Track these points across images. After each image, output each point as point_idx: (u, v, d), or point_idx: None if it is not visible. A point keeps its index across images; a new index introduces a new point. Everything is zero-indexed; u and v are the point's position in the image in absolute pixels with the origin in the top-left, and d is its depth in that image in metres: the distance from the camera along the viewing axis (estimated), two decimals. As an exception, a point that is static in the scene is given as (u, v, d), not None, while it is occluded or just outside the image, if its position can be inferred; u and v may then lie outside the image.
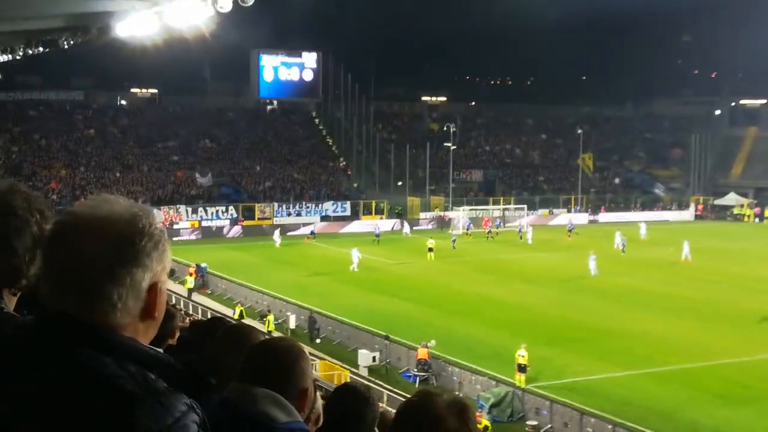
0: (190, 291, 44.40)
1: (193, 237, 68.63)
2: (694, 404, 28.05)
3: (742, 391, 29.47)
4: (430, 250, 56.35)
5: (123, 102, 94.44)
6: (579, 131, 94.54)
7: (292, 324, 37.74)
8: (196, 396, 2.15)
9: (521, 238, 67.92)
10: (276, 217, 74.49)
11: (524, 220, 76.29)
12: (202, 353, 4.03)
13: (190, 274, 45.66)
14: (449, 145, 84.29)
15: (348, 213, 77.70)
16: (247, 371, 2.85)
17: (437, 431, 2.32)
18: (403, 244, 65.54)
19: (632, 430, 24.85)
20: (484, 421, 25.61)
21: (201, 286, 46.82)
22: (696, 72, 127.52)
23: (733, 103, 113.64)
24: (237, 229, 71.39)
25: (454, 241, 63.02)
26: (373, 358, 32.47)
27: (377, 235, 64.93)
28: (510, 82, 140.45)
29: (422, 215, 79.68)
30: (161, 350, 2.02)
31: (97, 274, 1.87)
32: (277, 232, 63.87)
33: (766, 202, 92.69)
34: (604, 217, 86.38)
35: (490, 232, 70.27)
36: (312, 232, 69.17)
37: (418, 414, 2.39)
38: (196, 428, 1.87)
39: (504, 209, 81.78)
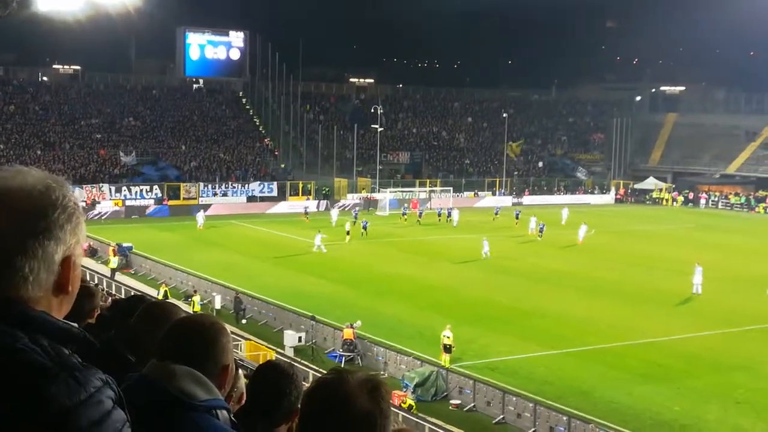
0: (113, 271, 43.73)
1: (114, 216, 67.47)
2: (613, 383, 28.74)
3: (659, 369, 30.27)
4: (348, 233, 56.38)
5: (45, 78, 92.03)
6: (504, 115, 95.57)
7: (217, 304, 37.45)
8: (114, 373, 2.13)
9: (441, 220, 68.34)
10: (202, 197, 73.71)
11: (447, 202, 76.81)
12: (121, 331, 3.98)
13: (113, 254, 44.94)
14: (376, 126, 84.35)
15: (275, 194, 77.29)
16: (166, 348, 2.81)
17: (348, 410, 2.30)
18: (330, 225, 65.48)
19: (552, 408, 25.34)
20: (409, 400, 25.87)
21: (124, 266, 46.12)
22: (618, 58, 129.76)
23: (654, 89, 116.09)
24: (157, 209, 70.42)
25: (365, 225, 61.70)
26: (299, 339, 32.46)
27: (306, 212, 67.27)
28: (437, 65, 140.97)
29: (349, 196, 79.67)
30: (76, 325, 1.99)
31: (7, 246, 1.83)
32: (200, 213, 62.70)
33: (683, 186, 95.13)
34: (528, 200, 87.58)
35: (421, 214, 69.97)
36: (306, 211, 69.22)
37: (329, 392, 2.37)
38: (111, 404, 1.85)
39: (430, 191, 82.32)
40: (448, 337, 29.81)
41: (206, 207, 70.59)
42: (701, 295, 40.88)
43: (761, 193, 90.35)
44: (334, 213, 66.42)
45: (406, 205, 73.30)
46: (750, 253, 56.20)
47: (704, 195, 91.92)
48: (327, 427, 2.31)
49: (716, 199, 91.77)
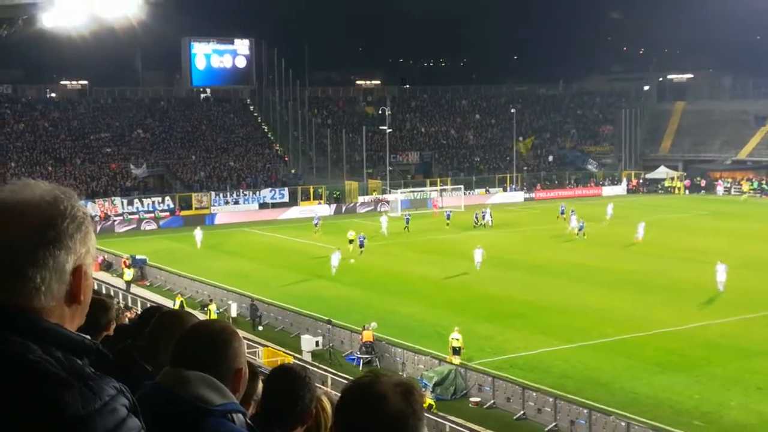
0: (128, 283, 43.87)
1: (129, 228, 67.68)
2: (632, 373, 28.67)
3: (678, 358, 30.19)
4: (351, 241, 52.41)
5: (53, 94, 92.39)
6: (512, 110, 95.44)
7: (233, 312, 37.53)
8: (131, 382, 2.16)
9: (478, 222, 64.74)
10: (213, 206, 73.91)
11: (482, 204, 76.58)
12: (137, 340, 4.02)
13: (127, 266, 45.11)
14: (384, 128, 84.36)
15: (286, 199, 77.38)
16: (179, 355, 2.84)
17: (381, 410, 2.33)
18: (341, 228, 65.50)
19: (572, 401, 25.30)
20: (428, 399, 25.85)
21: (139, 278, 46.27)
22: (625, 49, 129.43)
23: (661, 78, 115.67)
24: (170, 220, 70.59)
25: (407, 220, 62.72)
26: (316, 343, 32.51)
27: (316, 224, 62.43)
28: (443, 64, 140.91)
29: (360, 199, 79.71)
30: (89, 337, 2.02)
31: (18, 257, 1.86)
32: (198, 232, 57.20)
33: (694, 174, 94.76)
34: (539, 194, 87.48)
35: (449, 216, 65.65)
36: (316, 224, 62.76)
37: (363, 393, 2.40)
38: (126, 412, 1.87)
39: (441, 190, 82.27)
40: (457, 339, 29.80)
41: (210, 218, 70.95)
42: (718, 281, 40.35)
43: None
44: (384, 220, 62.00)
45: (449, 210, 68.59)
46: (765, 237, 55.89)
47: (720, 182, 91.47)
48: (361, 426, 2.33)
49: (729, 185, 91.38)
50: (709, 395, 26.42)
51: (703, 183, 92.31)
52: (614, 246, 53.56)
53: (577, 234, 57.29)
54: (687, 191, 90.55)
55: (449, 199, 78.69)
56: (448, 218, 64.98)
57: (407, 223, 62.18)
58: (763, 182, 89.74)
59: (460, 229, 62.45)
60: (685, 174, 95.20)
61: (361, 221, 68.04)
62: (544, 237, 58.54)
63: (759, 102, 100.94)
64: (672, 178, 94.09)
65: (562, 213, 64.54)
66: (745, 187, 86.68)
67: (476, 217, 64.99)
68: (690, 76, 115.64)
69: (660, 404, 25.75)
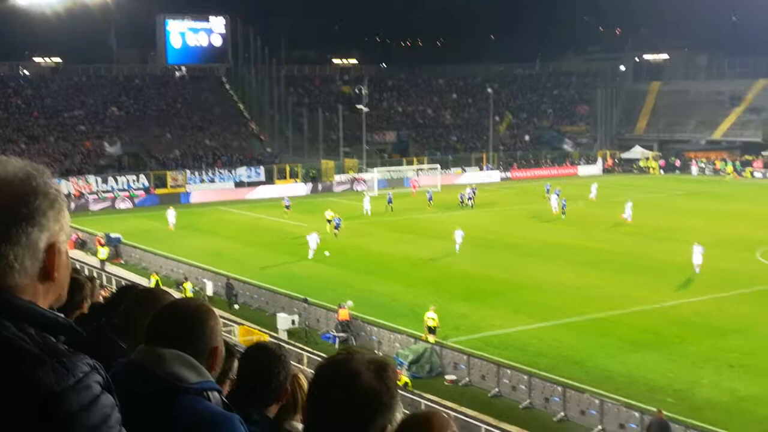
0: (103, 262, 43.67)
1: (103, 206, 67.27)
2: (606, 351, 28.94)
3: (652, 336, 30.48)
4: (329, 221, 51.78)
5: (25, 71, 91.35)
6: (489, 90, 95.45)
7: (209, 291, 37.46)
8: (106, 359, 2.15)
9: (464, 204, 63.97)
10: (189, 184, 73.57)
11: (467, 184, 76.53)
12: (112, 318, 4.01)
13: (101, 244, 44.88)
14: (361, 107, 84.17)
15: (262, 178, 77.17)
16: (155, 332, 2.84)
17: (354, 387, 2.34)
18: (317, 206, 65.44)
19: (546, 379, 25.51)
20: (404, 377, 25.99)
21: (114, 256, 46.05)
22: (601, 29, 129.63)
23: (637, 59, 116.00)
24: (145, 198, 70.21)
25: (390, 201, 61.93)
26: (292, 322, 32.54)
27: (287, 206, 60.71)
28: (420, 43, 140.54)
29: (337, 178, 79.61)
30: (63, 315, 2.01)
31: None
32: (171, 212, 55.76)
33: (669, 154, 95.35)
34: (516, 174, 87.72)
35: (430, 197, 64.47)
36: (287, 205, 61.05)
37: (337, 370, 2.41)
38: (100, 389, 1.87)
39: (418, 169, 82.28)
40: (433, 319, 29.90)
41: (185, 196, 70.68)
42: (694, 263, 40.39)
43: (747, 158, 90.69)
44: (367, 200, 61.27)
45: (431, 191, 67.25)
46: (739, 217, 56.45)
47: (694, 162, 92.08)
48: (334, 402, 2.34)
49: (703, 165, 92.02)
50: (682, 373, 26.72)
51: (677, 163, 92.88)
52: (591, 225, 53.86)
53: (561, 213, 57.50)
54: (662, 171, 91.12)
55: (425, 178, 78.69)
56: (431, 199, 64.21)
57: (390, 202, 61.78)
58: (737, 162, 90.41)
59: (444, 208, 62.35)
60: (660, 154, 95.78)
61: (338, 200, 68.08)
62: (521, 216, 58.81)
63: (734, 82, 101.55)
64: (647, 158, 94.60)
65: (548, 192, 64.14)
66: (729, 168, 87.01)
67: (461, 197, 64.56)
68: (666, 56, 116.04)
69: (633, 382, 26.02)
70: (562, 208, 57.74)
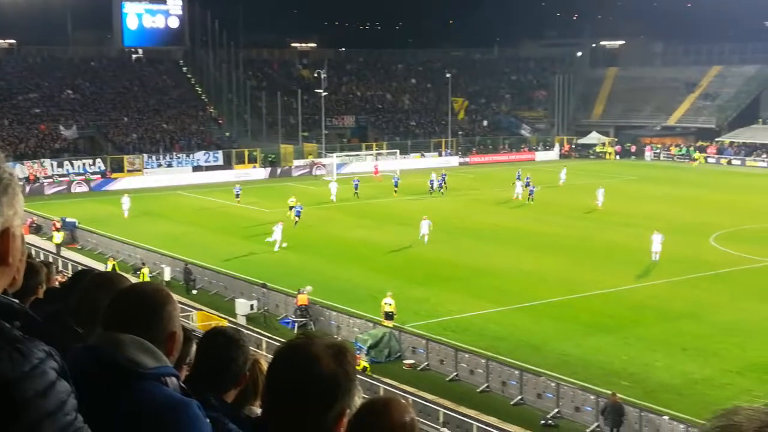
0: (58, 246, 43.16)
1: (58, 190, 66.41)
2: (563, 335, 29.25)
3: (608, 320, 30.88)
4: (291, 208, 50.45)
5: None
6: (448, 75, 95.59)
7: (167, 276, 37.21)
8: (62, 345, 2.13)
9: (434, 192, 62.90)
10: (146, 168, 72.84)
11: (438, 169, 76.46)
12: (68, 303, 3.97)
13: (56, 229, 44.33)
14: (320, 91, 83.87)
15: (221, 162, 76.62)
16: (113, 317, 2.82)
17: (313, 371, 2.35)
18: (276, 191, 65.22)
19: (504, 363, 25.74)
20: (363, 362, 26.06)
21: (70, 241, 45.53)
22: (558, 14, 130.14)
23: (594, 45, 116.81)
24: (101, 182, 69.41)
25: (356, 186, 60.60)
26: (251, 307, 32.47)
27: (237, 194, 58.60)
28: (379, 28, 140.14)
29: (296, 162, 79.32)
30: (17, 301, 2.00)
31: None
32: (126, 199, 53.74)
33: (625, 140, 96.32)
34: (474, 159, 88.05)
35: (396, 184, 63.15)
36: (237, 192, 58.91)
37: (295, 354, 2.41)
38: (55, 375, 1.86)
39: (377, 154, 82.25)
40: (390, 305, 29.95)
41: (142, 180, 70.00)
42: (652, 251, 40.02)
43: (701, 144, 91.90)
44: (334, 186, 59.40)
45: (396, 177, 65.52)
46: (693, 202, 57.24)
47: (649, 147, 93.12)
48: (292, 386, 2.35)
49: (659, 151, 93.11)
50: (637, 356, 27.10)
51: (633, 148, 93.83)
52: (550, 211, 54.23)
53: (528, 199, 57.39)
54: (617, 156, 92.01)
55: (389, 163, 78.47)
56: (396, 185, 63.08)
57: (356, 189, 60.40)
58: (691, 148, 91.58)
59: (410, 194, 61.89)
60: (616, 139, 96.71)
61: (302, 186, 67.83)
62: (481, 202, 59.04)
63: (689, 69, 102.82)
64: (603, 144, 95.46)
65: (519, 179, 63.34)
66: (697, 154, 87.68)
67: (431, 183, 63.30)
68: (622, 42, 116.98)
69: (589, 365, 26.34)
70: (530, 195, 57.63)
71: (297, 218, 48.97)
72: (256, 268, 38.17)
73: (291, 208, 50.79)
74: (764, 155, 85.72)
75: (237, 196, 58.62)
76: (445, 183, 63.86)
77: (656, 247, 39.30)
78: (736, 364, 26.34)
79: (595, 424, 22.63)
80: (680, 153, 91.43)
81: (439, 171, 67.41)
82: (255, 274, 36.74)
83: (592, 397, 23.07)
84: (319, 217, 51.69)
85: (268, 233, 44.44)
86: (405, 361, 27.50)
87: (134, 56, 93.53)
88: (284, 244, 42.85)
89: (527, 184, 58.98)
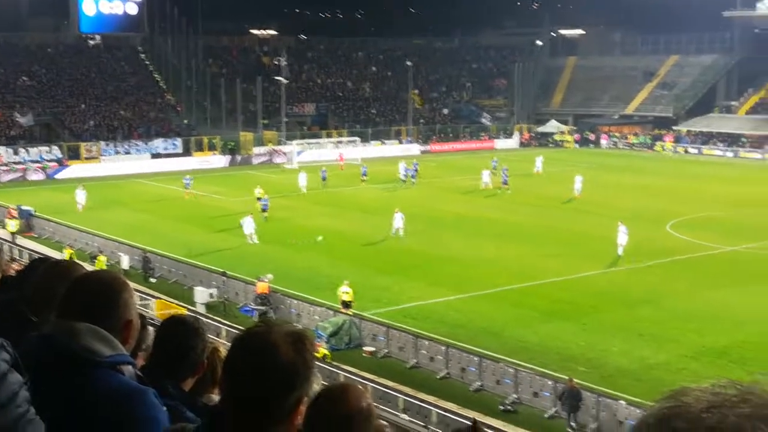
0: (14, 234, 42.59)
1: (14, 178, 65.46)
2: (521, 322, 29.48)
3: (566, 306, 31.16)
4: (259, 199, 49.29)
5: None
6: (408, 63, 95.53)
7: (125, 265, 36.87)
8: (17, 333, 2.12)
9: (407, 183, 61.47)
10: (104, 156, 72.00)
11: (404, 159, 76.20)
12: (23, 292, 3.93)
13: (12, 217, 43.72)
14: (280, 78, 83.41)
15: (180, 150, 75.95)
16: (68, 306, 2.81)
17: (272, 359, 2.35)
18: (236, 179, 64.89)
19: (463, 349, 25.90)
20: (323, 350, 26.07)
21: (26, 229, 44.93)
22: (518, 3, 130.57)
23: (554, 34, 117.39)
24: (58, 170, 68.49)
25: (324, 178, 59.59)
26: (211, 295, 32.31)
27: (187, 185, 56.09)
28: (339, 15, 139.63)
29: (255, 150, 78.89)
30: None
31: None
32: (81, 192, 51.61)
33: (584, 128, 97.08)
34: (435, 147, 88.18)
35: (365, 173, 61.81)
36: (187, 184, 56.53)
37: (254, 342, 2.41)
38: (7, 366, 1.85)
39: (338, 142, 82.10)
40: (347, 293, 29.95)
41: (100, 168, 69.24)
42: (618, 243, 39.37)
43: (658, 132, 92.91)
44: (303, 177, 57.46)
45: (365, 166, 63.67)
46: (650, 190, 57.88)
47: (605, 136, 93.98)
48: (251, 374, 2.35)
49: (616, 139, 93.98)
50: (594, 342, 27.41)
51: (592, 137, 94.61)
52: (518, 200, 54.50)
53: (503, 188, 57.11)
54: (576, 145, 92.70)
55: (345, 150, 78.28)
56: (365, 174, 62.13)
57: (324, 179, 59.52)
58: (649, 137, 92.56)
59: (376, 183, 61.08)
60: (575, 128, 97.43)
61: (264, 174, 67.52)
62: (442, 190, 59.12)
63: (647, 58, 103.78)
64: (562, 132, 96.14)
65: (495, 168, 63.15)
66: (668, 144, 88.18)
67: (405, 172, 62.12)
68: (581, 32, 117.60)
69: (547, 351, 26.59)
70: (505, 183, 57.28)
71: (264, 213, 47.00)
72: (216, 256, 37.97)
73: (259, 199, 49.42)
74: (720, 144, 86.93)
75: (186, 187, 55.97)
76: (417, 173, 63.04)
77: (622, 239, 38.28)
78: (691, 349, 26.75)
79: (553, 409, 22.88)
80: (639, 142, 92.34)
81: (410, 160, 66.97)
82: (214, 262, 36.55)
83: (550, 382, 23.31)
84: (283, 206, 51.31)
85: (229, 221, 44.18)
86: (365, 349, 27.57)
87: (91, 43, 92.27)
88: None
89: (504, 174, 58.29)
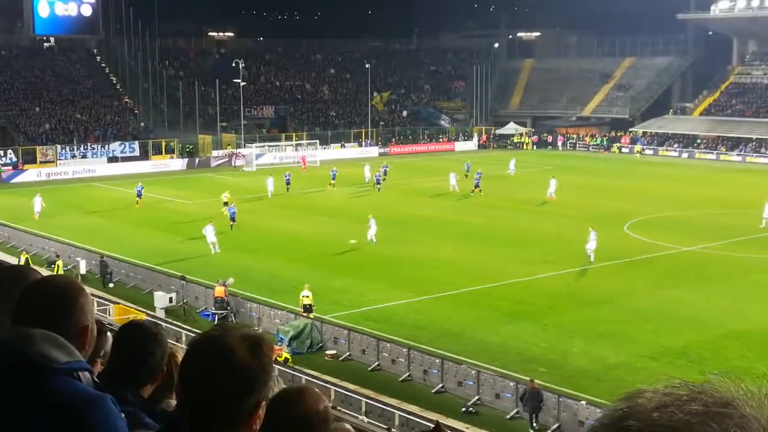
0: (-32, 241, 41.92)
1: None
2: (482, 323, 29.58)
3: (526, 308, 31.33)
4: (225, 204, 48.43)
5: None
6: (367, 65, 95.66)
7: (82, 269, 36.45)
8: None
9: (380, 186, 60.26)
10: (60, 159, 71.15)
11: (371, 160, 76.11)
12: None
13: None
14: (238, 81, 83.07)
15: (137, 153, 75.29)
16: (23, 311, 2.74)
17: (228, 363, 2.31)
18: (195, 182, 64.46)
19: (425, 351, 25.92)
20: (285, 353, 25.96)
21: (-20, 235, 44.25)
22: (476, 6, 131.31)
23: (511, 36, 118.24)
24: (12, 174, 67.56)
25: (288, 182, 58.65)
26: (170, 300, 32.01)
27: (139, 193, 53.24)
28: (297, 17, 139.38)
29: (214, 153, 78.46)
30: None
31: None
32: (38, 200, 49.29)
33: (542, 130, 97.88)
34: (394, 149, 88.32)
35: (334, 177, 60.97)
36: (139, 192, 53.46)
37: (210, 345, 2.37)
38: None
39: (297, 144, 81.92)
40: (308, 297, 29.85)
41: (56, 172, 68.42)
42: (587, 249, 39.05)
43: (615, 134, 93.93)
44: (270, 181, 56.79)
45: (335, 169, 62.58)
46: (607, 191, 58.45)
47: (561, 137, 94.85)
48: (207, 378, 2.30)
49: (574, 141, 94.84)
50: (555, 343, 27.57)
51: (549, 138, 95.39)
52: (474, 201, 54.73)
53: (474, 191, 56.96)
54: (534, 147, 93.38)
55: (305, 153, 78.10)
56: (334, 178, 61.24)
57: (288, 183, 58.51)
58: (606, 138, 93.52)
59: (347, 186, 60.90)
60: (533, 130, 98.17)
61: (230, 178, 67.10)
62: (402, 192, 59.05)
63: (603, 60, 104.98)
64: (521, 134, 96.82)
65: (468, 171, 63.02)
66: (638, 147, 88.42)
67: (377, 177, 60.90)
68: (538, 34, 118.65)
69: (508, 352, 26.71)
70: (477, 186, 57.15)
71: (232, 222, 45.19)
72: (175, 260, 37.66)
73: (225, 204, 48.58)
74: (676, 145, 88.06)
75: (138, 195, 53.21)
76: (385, 175, 62.45)
77: (592, 244, 37.91)
78: (650, 349, 27.01)
79: (515, 411, 22.97)
80: (596, 143, 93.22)
81: (379, 163, 66.50)
82: (173, 266, 36.25)
83: (512, 383, 23.40)
84: (245, 210, 50.88)
85: (189, 225, 43.84)
86: (327, 352, 27.48)
87: (46, 45, 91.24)
88: (218, 249, 39.88)
89: (477, 178, 58.14)
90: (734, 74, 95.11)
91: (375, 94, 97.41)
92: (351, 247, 40.82)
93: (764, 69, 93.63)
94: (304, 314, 29.31)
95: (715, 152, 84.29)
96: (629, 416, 1.32)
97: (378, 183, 60.06)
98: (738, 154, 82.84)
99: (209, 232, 39.96)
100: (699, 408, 1.27)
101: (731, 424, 1.24)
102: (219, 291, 30.74)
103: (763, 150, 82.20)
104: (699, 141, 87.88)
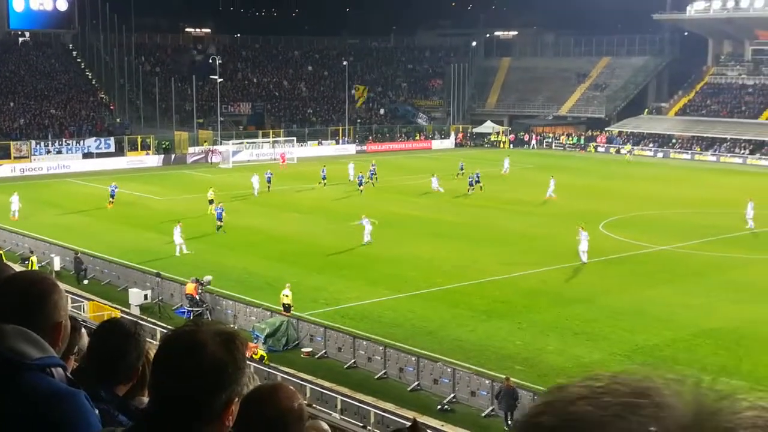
0: (-59, 237, 41.48)
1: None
2: (458, 321, 29.64)
3: (502, 306, 31.43)
4: (211, 202, 47.90)
5: None
6: (345, 63, 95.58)
7: (56, 266, 36.20)
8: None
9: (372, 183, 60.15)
10: (34, 155, 70.58)
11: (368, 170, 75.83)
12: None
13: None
14: (215, 77, 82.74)
15: (113, 149, 74.84)
16: (-5, 308, 2.72)
17: (200, 359, 2.30)
18: (170, 179, 64.13)
19: (401, 349, 25.95)
20: (260, 351, 25.90)
21: (-48, 231, 43.77)
22: (453, 4, 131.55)
23: (488, 35, 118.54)
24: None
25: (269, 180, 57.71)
26: (145, 297, 31.84)
27: (112, 193, 51.58)
28: (275, 14, 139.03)
29: (191, 149, 78.11)
30: None
31: None
32: (15, 198, 47.95)
33: (519, 129, 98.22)
34: (371, 147, 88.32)
35: (324, 177, 60.44)
36: (112, 192, 51.76)
37: (182, 341, 2.36)
38: None
39: (274, 141, 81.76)
40: (287, 296, 29.81)
41: (31, 168, 67.90)
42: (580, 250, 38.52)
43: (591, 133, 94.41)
44: (256, 180, 56.04)
45: (324, 168, 61.55)
46: (583, 190, 58.74)
47: (537, 136, 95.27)
48: (179, 373, 2.30)
49: (550, 140, 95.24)
50: (530, 340, 27.68)
51: (526, 137, 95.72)
52: (449, 199, 54.80)
53: (469, 190, 56.90)
54: (511, 145, 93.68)
55: (283, 150, 77.99)
56: (324, 177, 60.55)
57: (269, 182, 57.60)
58: (582, 137, 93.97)
59: (334, 184, 60.34)
60: (510, 128, 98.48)
61: (214, 176, 66.79)
62: (379, 190, 58.98)
63: (579, 60, 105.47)
64: (498, 133, 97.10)
65: (462, 170, 62.77)
66: (627, 147, 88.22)
67: (371, 176, 60.66)
68: (515, 33, 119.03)
69: (484, 350, 26.78)
70: (471, 185, 57.01)
71: (220, 222, 43.84)
72: (150, 257, 37.46)
73: (210, 201, 47.99)
74: (651, 144, 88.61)
75: (112, 195, 51.52)
76: (375, 175, 61.55)
77: (584, 245, 37.37)
78: (624, 347, 27.18)
79: (490, 408, 23.04)
80: (572, 143, 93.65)
81: (359, 161, 66.09)
82: (148, 263, 36.06)
83: (487, 381, 23.47)
84: (229, 209, 50.52)
85: (164, 222, 43.55)
86: (303, 350, 27.45)
87: (20, 39, 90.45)
88: (188, 250, 38.92)
89: (471, 178, 57.89)
90: (709, 75, 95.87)
91: (356, 85, 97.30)
92: (329, 245, 40.71)
93: (739, 70, 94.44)
94: (283, 313, 29.27)
95: (690, 152, 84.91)
96: (544, 412, 1.31)
97: (360, 185, 57.77)
98: (712, 154, 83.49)
99: (176, 234, 39.06)
100: (612, 399, 1.26)
101: (645, 413, 1.22)
102: (190, 288, 30.58)
103: (737, 150, 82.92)
104: (674, 141, 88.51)
